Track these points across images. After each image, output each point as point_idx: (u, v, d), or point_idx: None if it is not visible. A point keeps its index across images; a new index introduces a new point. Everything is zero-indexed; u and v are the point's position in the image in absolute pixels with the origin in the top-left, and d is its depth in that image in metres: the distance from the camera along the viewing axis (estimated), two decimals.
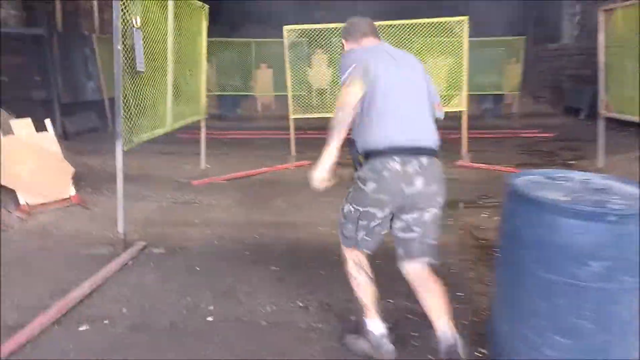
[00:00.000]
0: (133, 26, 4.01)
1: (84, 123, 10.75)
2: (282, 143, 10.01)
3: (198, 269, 3.79)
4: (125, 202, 4.10)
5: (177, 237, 4.50)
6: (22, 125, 5.03)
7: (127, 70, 4.03)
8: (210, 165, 7.67)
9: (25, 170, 4.83)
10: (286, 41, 7.71)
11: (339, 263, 2.60)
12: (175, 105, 5.40)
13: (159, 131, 4.97)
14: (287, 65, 7.87)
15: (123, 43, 3.84)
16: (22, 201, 4.80)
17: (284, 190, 6.16)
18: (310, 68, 9.55)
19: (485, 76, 13.14)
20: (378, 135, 2.24)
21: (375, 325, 2.49)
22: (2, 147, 4.71)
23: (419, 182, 2.23)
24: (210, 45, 13.95)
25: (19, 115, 5.63)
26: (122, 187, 4.03)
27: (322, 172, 2.24)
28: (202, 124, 6.86)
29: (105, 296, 3.31)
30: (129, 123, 4.17)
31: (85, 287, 3.29)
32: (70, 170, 5.18)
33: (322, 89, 9.03)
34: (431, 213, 2.32)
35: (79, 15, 12.29)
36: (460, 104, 7.90)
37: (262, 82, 14.28)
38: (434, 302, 2.38)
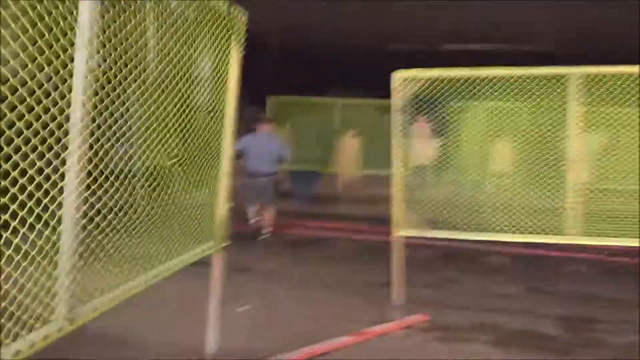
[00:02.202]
0: None
1: None
2: (374, 255, 6.40)
3: None
4: None
5: None
6: None
7: None
8: (250, 305, 4.26)
9: None
10: (398, 99, 4.17)
11: None
12: (140, 243, 2.00)
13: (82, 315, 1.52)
14: (395, 136, 4.30)
15: None
16: None
17: None
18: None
19: None
20: (249, 167, 6.76)
21: (252, 220, 7.02)
22: None
23: (263, 185, 6.79)
24: (283, 106, 11.25)
25: None
26: None
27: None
28: (217, 262, 3.18)
29: None
30: None
31: None
32: None
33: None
34: (268, 192, 6.92)
35: None
36: None
37: (346, 154, 10.95)
38: (267, 217, 7.01)
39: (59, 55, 1.52)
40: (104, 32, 1.67)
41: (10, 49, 1.43)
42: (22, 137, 1.48)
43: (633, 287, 5.14)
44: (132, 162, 2.17)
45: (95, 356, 3.09)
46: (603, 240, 4.02)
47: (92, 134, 1.76)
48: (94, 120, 1.77)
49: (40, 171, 1.46)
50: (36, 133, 1.56)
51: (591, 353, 3.80)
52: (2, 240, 1.42)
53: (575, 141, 4.06)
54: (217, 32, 2.67)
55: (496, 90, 4.33)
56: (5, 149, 1.45)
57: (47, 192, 1.61)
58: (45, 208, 1.63)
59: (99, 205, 1.92)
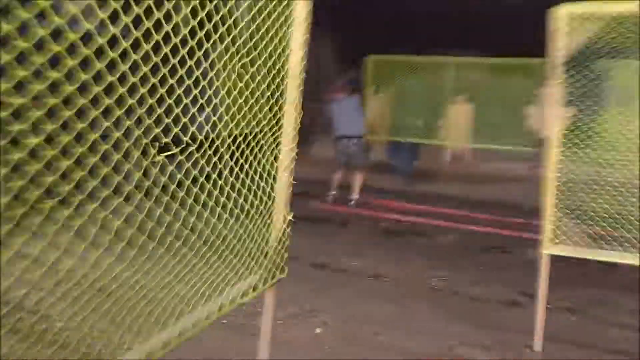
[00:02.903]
0: None
1: None
2: (492, 254, 5.08)
3: None
4: None
5: None
6: None
7: None
8: (323, 323, 3.23)
9: None
10: (559, 47, 2.68)
11: None
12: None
13: None
14: (551, 101, 2.86)
15: None
16: None
17: None
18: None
19: None
20: (336, 132, 6.95)
21: (333, 190, 6.94)
22: None
23: (350, 148, 6.86)
24: (383, 67, 9.85)
25: None
26: None
27: None
28: (268, 306, 1.87)
29: None
30: None
31: None
32: None
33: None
34: (357, 156, 6.92)
35: None
36: None
37: (456, 123, 9.35)
38: (355, 183, 6.93)
39: None
40: None
41: None
42: None
43: None
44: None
45: None
46: None
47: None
48: None
49: None
50: None
51: None
52: None
53: None
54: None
55: None
56: None
57: None
58: None
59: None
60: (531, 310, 3.36)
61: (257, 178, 1.59)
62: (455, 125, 9.26)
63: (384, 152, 9.37)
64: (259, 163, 1.58)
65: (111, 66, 1.06)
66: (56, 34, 0.92)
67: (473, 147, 9.59)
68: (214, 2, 1.35)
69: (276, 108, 1.62)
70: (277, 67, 1.62)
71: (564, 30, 2.70)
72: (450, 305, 3.88)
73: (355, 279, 4.32)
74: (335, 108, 6.98)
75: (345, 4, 11.97)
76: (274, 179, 1.69)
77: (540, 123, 7.93)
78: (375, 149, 9.25)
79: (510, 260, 5.02)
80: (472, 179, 9.09)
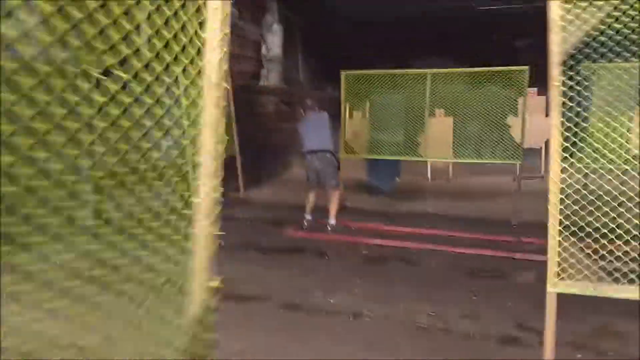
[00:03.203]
0: None
1: None
2: (486, 280, 4.59)
3: None
4: None
5: None
6: None
7: None
8: None
9: None
10: (559, 44, 2.23)
11: None
12: None
13: None
14: (554, 109, 2.38)
15: None
16: None
17: None
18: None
19: None
20: (304, 149, 6.49)
21: (307, 215, 6.46)
22: None
23: (318, 163, 6.37)
24: (359, 82, 9.47)
25: None
26: None
27: None
28: None
29: None
30: None
31: None
32: None
33: None
34: (327, 173, 6.38)
35: None
36: None
37: (436, 137, 8.92)
38: (331, 206, 6.41)
39: None
40: None
41: None
42: None
43: None
44: None
45: None
46: None
47: None
48: None
49: None
50: None
51: None
52: None
53: None
54: None
55: None
56: None
57: None
58: None
59: None
60: (532, 347, 2.90)
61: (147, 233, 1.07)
62: (435, 140, 8.85)
63: (363, 170, 8.91)
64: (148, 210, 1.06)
65: None
66: None
67: (455, 162, 9.19)
68: None
69: (179, 131, 1.11)
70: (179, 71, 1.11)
71: (559, 23, 2.26)
72: (441, 347, 3.36)
73: (332, 320, 3.77)
74: (304, 125, 6.69)
75: (319, 21, 11.65)
76: (185, 236, 1.17)
77: (524, 134, 7.58)
78: (353, 167, 8.79)
79: (502, 286, 4.54)
80: (456, 195, 8.66)
